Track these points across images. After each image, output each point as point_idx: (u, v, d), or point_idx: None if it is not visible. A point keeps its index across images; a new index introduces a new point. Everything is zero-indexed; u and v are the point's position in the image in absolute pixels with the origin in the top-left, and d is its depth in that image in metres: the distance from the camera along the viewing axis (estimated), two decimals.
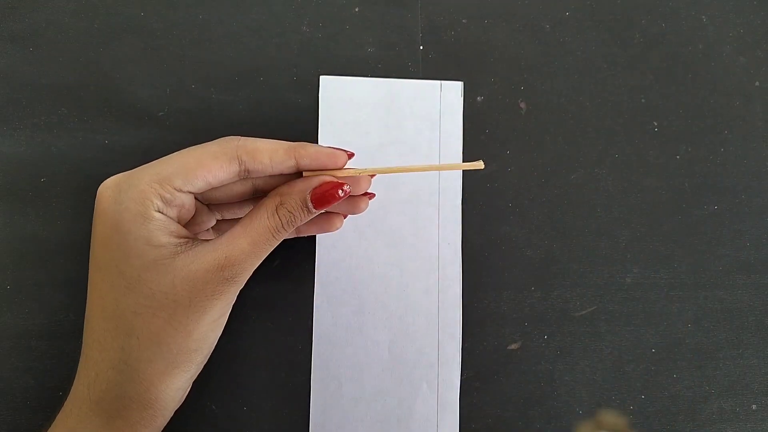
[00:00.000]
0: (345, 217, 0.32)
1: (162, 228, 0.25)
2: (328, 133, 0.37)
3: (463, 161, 0.36)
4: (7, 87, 0.37)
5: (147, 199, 0.25)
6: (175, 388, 0.27)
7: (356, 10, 0.38)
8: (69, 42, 0.37)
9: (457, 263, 0.36)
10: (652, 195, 0.37)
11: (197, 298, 0.25)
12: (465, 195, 0.37)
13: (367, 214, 0.34)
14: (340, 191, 0.27)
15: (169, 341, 0.25)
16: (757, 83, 0.38)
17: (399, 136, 0.36)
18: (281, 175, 0.28)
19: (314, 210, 0.27)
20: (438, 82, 0.37)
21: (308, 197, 0.26)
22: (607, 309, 0.35)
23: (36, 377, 0.35)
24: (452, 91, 0.37)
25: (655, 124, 0.38)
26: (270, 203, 0.27)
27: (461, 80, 0.37)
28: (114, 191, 0.26)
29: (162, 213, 0.26)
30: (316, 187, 0.27)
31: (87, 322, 0.27)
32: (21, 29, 0.37)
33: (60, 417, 0.27)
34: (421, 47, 0.38)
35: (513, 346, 0.36)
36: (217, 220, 0.32)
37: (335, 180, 0.27)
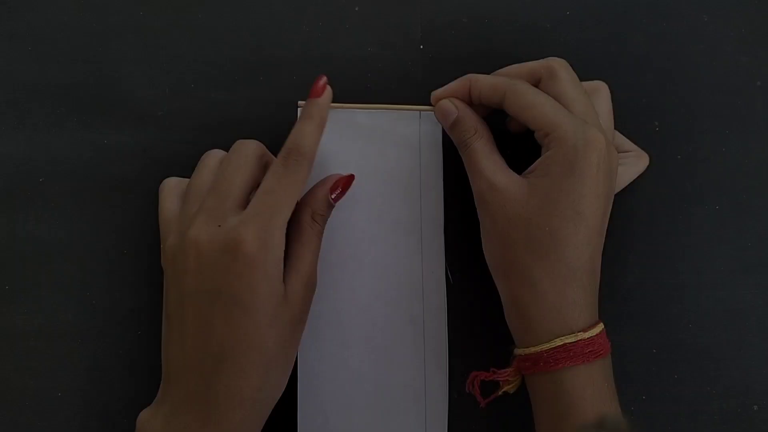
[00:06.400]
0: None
1: None
2: None
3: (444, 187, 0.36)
4: (6, 87, 0.37)
5: None
6: None
7: (356, 9, 0.38)
8: (68, 41, 0.37)
9: (442, 292, 0.36)
10: (653, 195, 0.38)
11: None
12: (467, 192, 0.36)
13: (349, 246, 0.36)
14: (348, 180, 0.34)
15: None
16: (758, 83, 0.38)
17: (379, 166, 0.36)
18: None
19: (333, 204, 0.33)
20: (417, 111, 0.36)
21: (329, 196, 0.33)
22: (607, 309, 0.34)
23: (35, 377, 0.35)
24: (431, 120, 0.36)
25: (656, 123, 0.38)
26: (306, 216, 0.32)
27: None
28: None
29: None
30: (332, 187, 0.33)
31: None
32: (20, 28, 0.38)
33: None
34: (422, 46, 0.38)
35: (513, 347, 0.36)
36: None
37: (342, 175, 0.34)
